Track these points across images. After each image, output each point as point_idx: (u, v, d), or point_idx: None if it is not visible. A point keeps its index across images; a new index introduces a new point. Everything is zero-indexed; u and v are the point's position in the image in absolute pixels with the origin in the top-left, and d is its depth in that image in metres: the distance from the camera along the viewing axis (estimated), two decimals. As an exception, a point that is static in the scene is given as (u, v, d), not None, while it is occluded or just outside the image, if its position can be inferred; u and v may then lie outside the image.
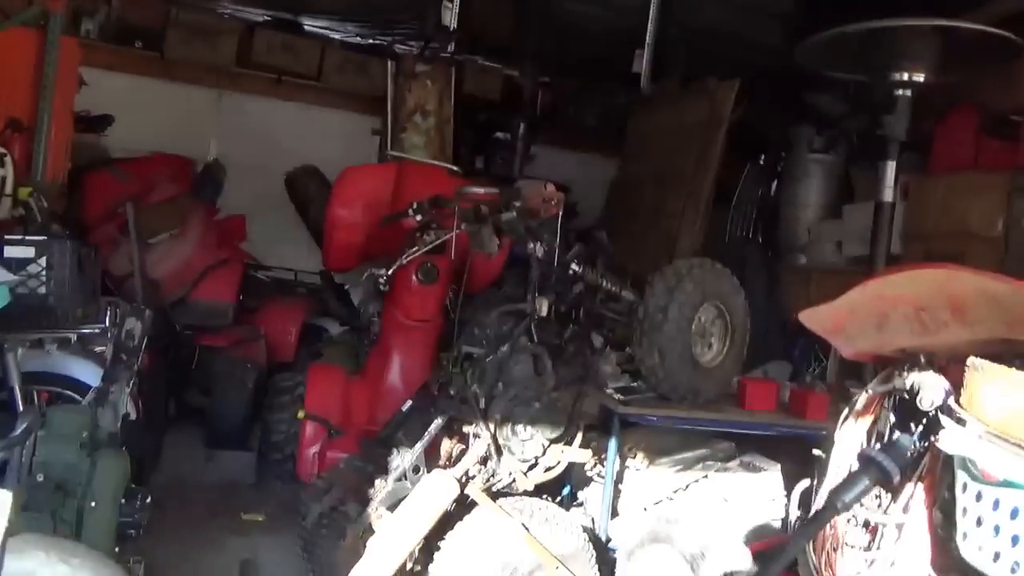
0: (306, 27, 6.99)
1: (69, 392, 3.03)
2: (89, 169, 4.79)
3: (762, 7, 5.21)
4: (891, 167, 3.67)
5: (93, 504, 2.18)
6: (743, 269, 4.89)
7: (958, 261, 3.15)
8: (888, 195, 3.71)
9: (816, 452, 2.61)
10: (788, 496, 3.02)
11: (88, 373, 3.02)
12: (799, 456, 3.08)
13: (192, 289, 4.79)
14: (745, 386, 3.20)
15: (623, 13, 5.53)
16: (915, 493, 2.04)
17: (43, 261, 2.84)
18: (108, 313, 3.05)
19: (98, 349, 3.08)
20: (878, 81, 3.65)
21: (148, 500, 2.02)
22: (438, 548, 2.60)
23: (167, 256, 4.63)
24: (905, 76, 3.53)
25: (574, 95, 7.53)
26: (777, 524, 3.07)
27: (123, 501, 2.26)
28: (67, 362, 3.05)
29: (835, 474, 2.33)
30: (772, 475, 3.13)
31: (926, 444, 2.13)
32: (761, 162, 5.47)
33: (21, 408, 2.69)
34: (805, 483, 2.75)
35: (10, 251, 2.80)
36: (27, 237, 2.90)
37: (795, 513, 2.78)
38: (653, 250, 5.17)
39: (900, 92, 3.57)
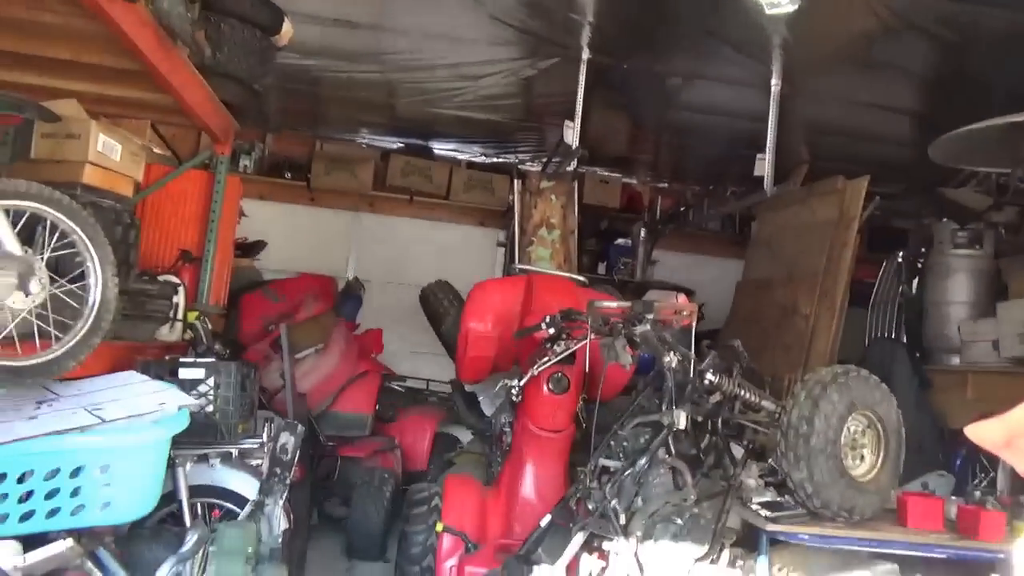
0: (436, 151, 7.54)
1: (228, 504, 3.21)
2: (245, 291, 5.20)
3: (888, 104, 5.13)
4: (1048, 261, 3.45)
5: (256, 617, 2.28)
6: (889, 372, 4.63)
7: None
8: (1048, 291, 3.46)
9: (995, 578, 2.39)
10: (965, 627, 2.75)
11: (246, 485, 3.18)
12: (972, 580, 2.81)
13: (334, 401, 5.02)
14: (905, 502, 2.98)
15: (741, 118, 5.58)
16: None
17: (211, 381, 3.07)
18: (265, 428, 3.24)
19: (254, 462, 3.25)
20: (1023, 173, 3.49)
21: (305, 615, 2.09)
22: (582, 673, 2.52)
23: (313, 370, 4.90)
24: (1053, 167, 3.37)
25: (694, 199, 7.59)
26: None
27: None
28: (227, 475, 3.23)
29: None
30: (943, 602, 2.87)
31: None
32: (899, 259, 5.24)
33: (189, 522, 2.88)
34: (985, 612, 2.51)
35: (184, 373, 3.06)
36: (198, 360, 3.16)
37: (975, 647, 2.52)
38: (786, 353, 4.99)
39: (1049, 183, 3.40)
